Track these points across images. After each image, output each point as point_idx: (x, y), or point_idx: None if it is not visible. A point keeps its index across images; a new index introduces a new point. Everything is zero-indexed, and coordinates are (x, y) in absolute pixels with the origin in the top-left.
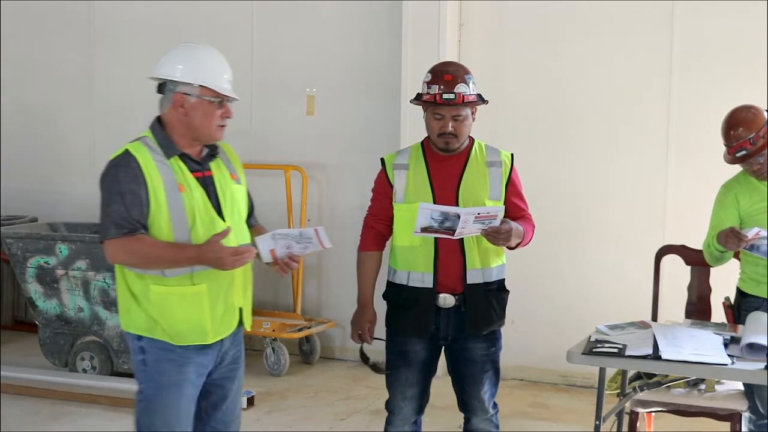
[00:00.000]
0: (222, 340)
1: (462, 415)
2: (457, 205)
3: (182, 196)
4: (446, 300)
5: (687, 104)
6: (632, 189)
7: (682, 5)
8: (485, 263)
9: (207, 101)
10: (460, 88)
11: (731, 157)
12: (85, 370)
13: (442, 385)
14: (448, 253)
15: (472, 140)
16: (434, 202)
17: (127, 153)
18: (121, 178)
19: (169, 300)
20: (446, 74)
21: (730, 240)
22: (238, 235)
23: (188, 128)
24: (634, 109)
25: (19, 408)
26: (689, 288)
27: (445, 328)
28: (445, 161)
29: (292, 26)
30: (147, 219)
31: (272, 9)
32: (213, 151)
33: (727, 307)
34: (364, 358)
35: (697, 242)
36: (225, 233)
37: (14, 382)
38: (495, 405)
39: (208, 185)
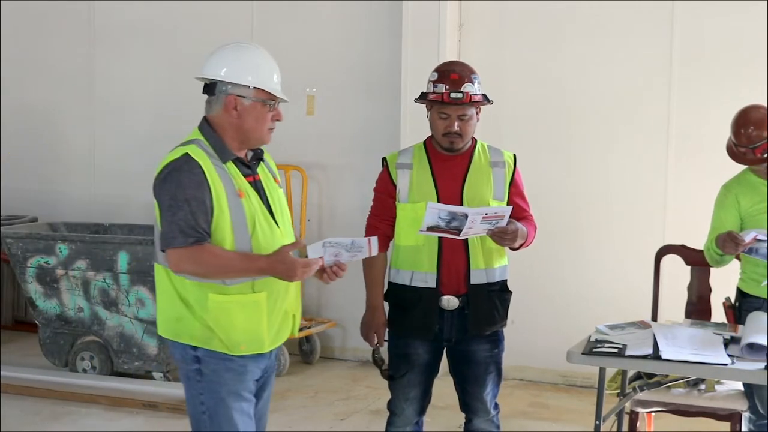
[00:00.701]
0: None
1: (462, 414)
2: (461, 204)
3: (242, 202)
4: (450, 302)
5: (687, 104)
6: (632, 189)
7: (682, 5)
8: (489, 263)
9: (260, 103)
10: (467, 87)
11: (756, 158)
12: (85, 370)
13: (443, 385)
14: (452, 253)
15: (474, 140)
16: (439, 202)
17: (188, 156)
18: (186, 184)
19: (228, 309)
20: (453, 73)
21: (728, 244)
22: (288, 240)
23: (239, 131)
24: (634, 109)
25: (20, 408)
26: (689, 288)
27: (448, 329)
28: (449, 161)
29: (292, 26)
30: (211, 226)
31: (272, 9)
32: (259, 155)
33: (728, 307)
34: (379, 363)
35: (697, 242)
36: (297, 244)
37: (14, 382)
38: (496, 405)
39: (259, 190)
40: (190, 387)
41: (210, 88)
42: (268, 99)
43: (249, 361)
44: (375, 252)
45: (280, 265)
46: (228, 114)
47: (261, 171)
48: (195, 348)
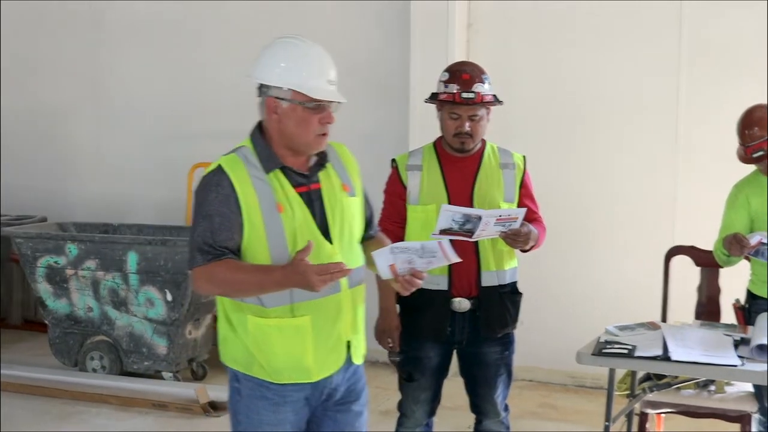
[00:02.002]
0: (329, 376)
1: (471, 415)
2: (471, 206)
3: (281, 216)
4: (461, 304)
5: (695, 104)
6: (641, 189)
7: (691, 5)
8: (499, 265)
9: (301, 106)
10: (478, 88)
11: (747, 158)
12: (94, 370)
13: (452, 386)
14: (463, 255)
15: (484, 142)
16: (449, 204)
17: (219, 170)
18: (211, 199)
19: (267, 333)
20: (464, 73)
21: (733, 246)
22: (348, 257)
23: (283, 137)
24: (643, 109)
25: (29, 407)
26: (699, 289)
27: (459, 331)
28: (459, 163)
29: (299, 26)
30: (240, 244)
31: (279, 9)
32: (322, 160)
33: (737, 308)
34: (401, 367)
35: (706, 243)
36: (308, 249)
37: (24, 382)
38: (506, 407)
39: (313, 200)
40: (231, 403)
41: (258, 89)
42: (306, 101)
43: (291, 391)
44: (454, 258)
45: (295, 275)
46: (270, 118)
47: (324, 178)
48: (237, 371)
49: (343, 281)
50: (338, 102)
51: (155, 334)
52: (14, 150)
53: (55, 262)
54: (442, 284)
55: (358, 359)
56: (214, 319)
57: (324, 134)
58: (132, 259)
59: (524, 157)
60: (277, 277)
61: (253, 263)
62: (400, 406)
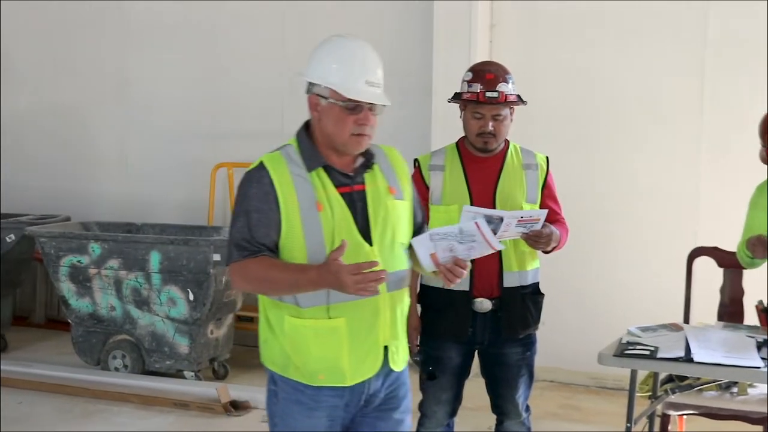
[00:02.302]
0: (367, 380)
1: (492, 416)
2: (494, 206)
3: (319, 215)
4: (483, 304)
5: (720, 104)
6: (664, 190)
7: (716, 5)
8: (521, 266)
9: (338, 105)
10: (502, 87)
11: None
12: (117, 369)
13: (473, 387)
14: (485, 256)
15: (507, 142)
16: (471, 204)
17: (260, 166)
18: (252, 195)
19: (303, 334)
20: (488, 73)
21: (757, 248)
22: (388, 260)
23: (323, 135)
24: (666, 109)
25: (52, 405)
26: (722, 290)
27: (481, 332)
28: (482, 163)
29: (324, 27)
30: (278, 241)
31: (303, 9)
32: (369, 161)
33: (760, 310)
34: (425, 366)
35: (729, 244)
36: (341, 248)
37: (47, 380)
38: (528, 408)
39: (356, 201)
40: (269, 406)
41: (306, 86)
42: (342, 100)
43: (326, 396)
44: (497, 245)
45: (328, 275)
46: (312, 116)
47: (370, 179)
48: (274, 372)
49: (382, 285)
50: (379, 104)
51: (177, 334)
52: (38, 150)
53: (79, 262)
54: (464, 285)
55: (396, 365)
56: (236, 318)
57: (360, 135)
58: (155, 259)
59: (547, 157)
60: (311, 276)
61: (289, 262)
62: (421, 406)
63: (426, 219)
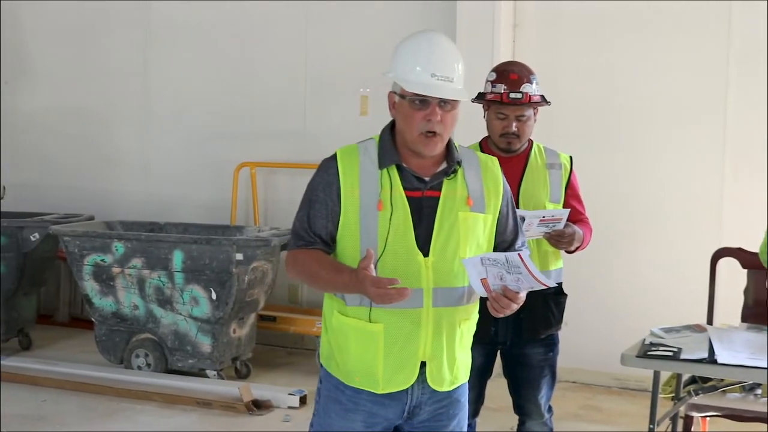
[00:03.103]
0: (407, 392)
1: (514, 416)
2: (516, 207)
3: (378, 215)
4: None
5: (744, 105)
6: (688, 190)
7: (740, 5)
8: (544, 266)
9: (405, 101)
10: (526, 88)
11: None
12: (140, 367)
13: (495, 387)
14: None
15: (531, 142)
16: None
17: (333, 156)
18: (317, 184)
19: (345, 332)
20: (512, 73)
21: None
22: (442, 275)
23: (400, 134)
24: (690, 109)
25: (76, 404)
26: (746, 291)
27: (503, 332)
28: (505, 163)
29: (346, 26)
30: (335, 234)
31: (326, 9)
32: (451, 167)
33: None
34: None
35: (753, 245)
36: (368, 257)
37: (70, 379)
38: (550, 408)
39: (423, 207)
40: (316, 401)
41: None
42: (406, 94)
43: (363, 400)
44: (544, 279)
45: (357, 282)
46: (391, 114)
47: (449, 187)
48: (322, 366)
49: (427, 298)
50: (450, 99)
51: (200, 333)
52: (63, 150)
53: (102, 260)
54: None
55: (436, 384)
56: (259, 318)
57: (432, 132)
58: (177, 258)
59: (571, 157)
60: (345, 279)
61: (334, 260)
62: None
63: (523, 242)
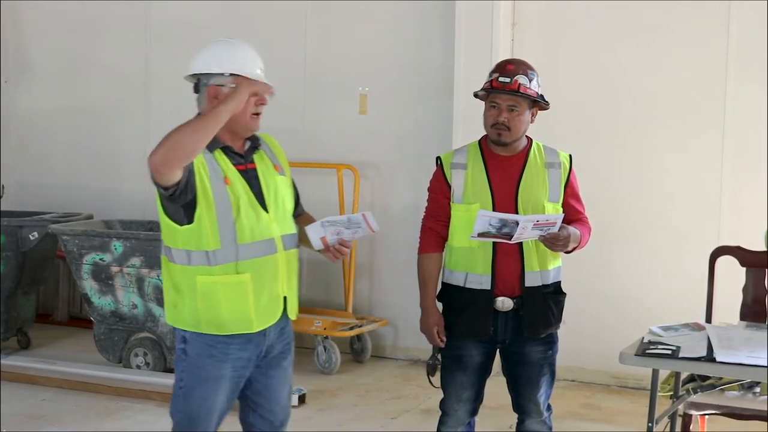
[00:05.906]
0: (265, 333)
1: (513, 414)
2: (516, 205)
3: (227, 188)
4: (504, 303)
5: (743, 104)
6: (687, 189)
7: (739, 5)
8: (543, 266)
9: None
10: (519, 79)
11: None
12: (138, 366)
13: (494, 385)
14: (507, 255)
15: (530, 141)
16: (493, 203)
17: None
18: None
19: (214, 290)
20: (509, 64)
21: None
22: (282, 225)
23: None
24: (690, 108)
25: (75, 403)
26: (744, 290)
27: (502, 331)
28: (504, 161)
29: (345, 25)
30: (194, 208)
31: (325, 8)
32: (255, 144)
33: None
34: (430, 361)
35: (752, 243)
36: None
37: (69, 378)
38: (549, 407)
39: (251, 178)
40: (177, 365)
41: (195, 86)
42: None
43: (233, 348)
44: (376, 227)
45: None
46: (211, 104)
47: (258, 159)
48: (186, 331)
49: (279, 244)
50: (268, 85)
51: None
52: (62, 149)
53: (101, 259)
54: (486, 284)
55: (292, 314)
56: None
57: (258, 114)
58: None
59: (570, 156)
60: (207, 109)
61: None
62: (442, 404)
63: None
